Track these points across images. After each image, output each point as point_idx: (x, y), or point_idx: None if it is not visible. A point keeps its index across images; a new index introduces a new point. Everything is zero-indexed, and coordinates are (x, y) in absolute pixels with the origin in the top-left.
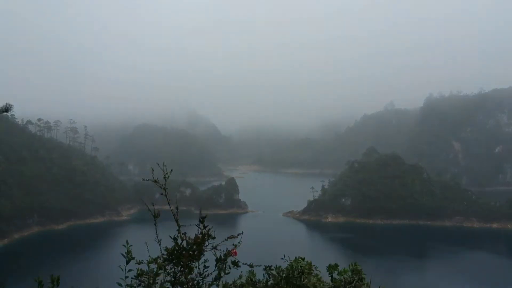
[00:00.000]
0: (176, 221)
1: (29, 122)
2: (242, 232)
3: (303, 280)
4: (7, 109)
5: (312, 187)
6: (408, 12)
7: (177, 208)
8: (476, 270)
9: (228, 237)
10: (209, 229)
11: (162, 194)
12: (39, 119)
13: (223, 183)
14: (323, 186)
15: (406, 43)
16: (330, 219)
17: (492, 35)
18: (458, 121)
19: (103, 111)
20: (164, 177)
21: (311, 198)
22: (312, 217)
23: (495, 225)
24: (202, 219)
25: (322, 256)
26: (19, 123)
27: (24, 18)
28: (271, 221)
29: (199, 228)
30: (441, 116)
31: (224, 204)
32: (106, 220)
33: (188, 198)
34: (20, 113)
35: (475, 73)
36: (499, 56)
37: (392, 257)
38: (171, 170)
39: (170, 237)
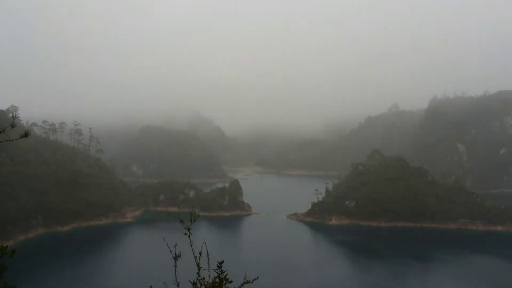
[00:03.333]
0: (197, 265)
1: (34, 124)
2: (258, 277)
3: None
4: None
5: (316, 189)
6: (412, 14)
7: (200, 254)
8: (480, 274)
9: (244, 282)
10: (226, 274)
11: (185, 234)
12: (44, 121)
13: (227, 184)
14: (327, 188)
15: (410, 45)
16: (334, 221)
17: (496, 36)
18: (462, 123)
19: (107, 113)
20: (191, 220)
21: (315, 200)
22: (316, 219)
23: (500, 228)
24: (219, 264)
25: (328, 260)
26: (24, 125)
27: (29, 22)
28: (275, 223)
29: (216, 272)
30: (445, 118)
31: (228, 206)
32: (110, 222)
33: (192, 199)
34: (25, 115)
35: (479, 75)
36: (504, 58)
37: (397, 260)
38: (198, 215)
39: (190, 281)
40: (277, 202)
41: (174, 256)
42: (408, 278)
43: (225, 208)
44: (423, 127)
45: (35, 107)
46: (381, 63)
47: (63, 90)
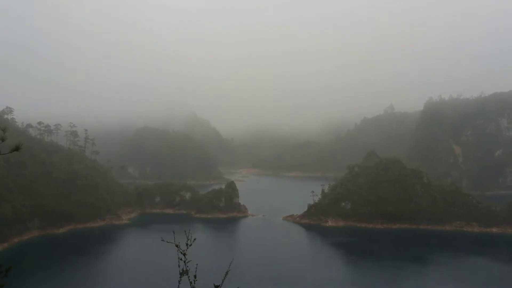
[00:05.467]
0: None
1: (29, 125)
2: None
3: None
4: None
5: (312, 191)
6: (409, 16)
7: (195, 277)
8: (476, 276)
9: None
10: None
11: (181, 259)
12: (39, 123)
13: (223, 186)
14: (323, 190)
15: (407, 46)
16: (330, 223)
17: (492, 38)
18: (458, 125)
19: (103, 115)
20: (187, 244)
21: (311, 202)
22: (312, 221)
23: (495, 230)
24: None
25: (324, 262)
26: (20, 126)
27: (25, 21)
28: (271, 225)
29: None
30: (441, 120)
31: (224, 208)
32: (106, 224)
33: (188, 201)
34: (20, 116)
35: (475, 77)
36: (499, 59)
37: (393, 262)
38: (195, 239)
39: None
40: (273, 204)
41: (181, 272)
42: (404, 281)
43: (221, 210)
44: (419, 128)
45: (31, 107)
46: (377, 65)
47: (58, 91)
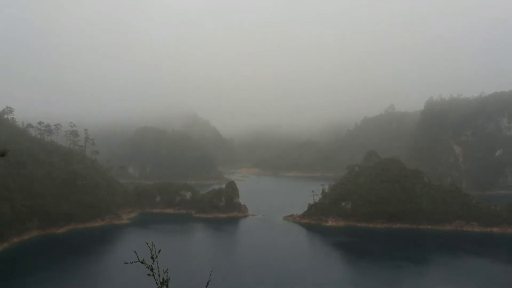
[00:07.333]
0: None
1: (29, 125)
2: None
3: None
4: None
5: (313, 191)
6: (408, 15)
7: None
8: (476, 276)
9: None
10: None
11: (148, 275)
12: (39, 123)
13: (224, 186)
14: (323, 190)
15: (407, 46)
16: (330, 223)
17: (492, 38)
18: (458, 125)
19: (103, 115)
20: (152, 257)
21: (312, 202)
22: (313, 221)
23: (495, 230)
24: None
25: (324, 262)
26: (20, 126)
27: (25, 23)
28: (272, 225)
29: None
30: (441, 120)
31: (224, 208)
32: (106, 224)
33: (189, 201)
34: (20, 116)
35: (475, 77)
36: (499, 60)
37: (392, 262)
38: (159, 251)
39: None
40: (273, 203)
41: (161, 281)
42: (404, 281)
43: (222, 210)
44: (419, 128)
45: (31, 107)
46: (377, 65)
47: (58, 91)
